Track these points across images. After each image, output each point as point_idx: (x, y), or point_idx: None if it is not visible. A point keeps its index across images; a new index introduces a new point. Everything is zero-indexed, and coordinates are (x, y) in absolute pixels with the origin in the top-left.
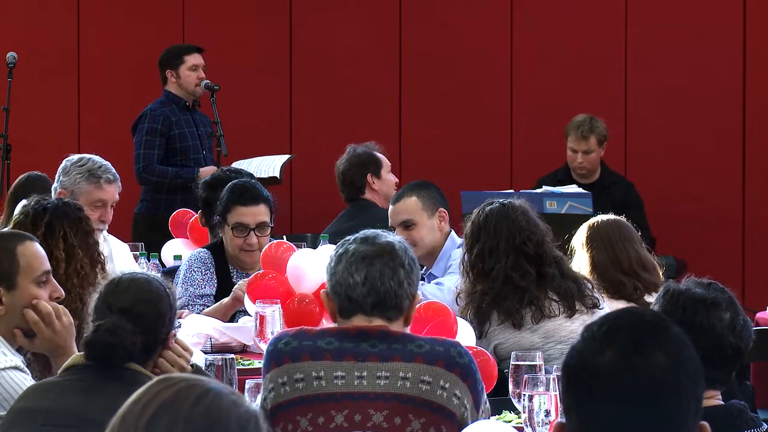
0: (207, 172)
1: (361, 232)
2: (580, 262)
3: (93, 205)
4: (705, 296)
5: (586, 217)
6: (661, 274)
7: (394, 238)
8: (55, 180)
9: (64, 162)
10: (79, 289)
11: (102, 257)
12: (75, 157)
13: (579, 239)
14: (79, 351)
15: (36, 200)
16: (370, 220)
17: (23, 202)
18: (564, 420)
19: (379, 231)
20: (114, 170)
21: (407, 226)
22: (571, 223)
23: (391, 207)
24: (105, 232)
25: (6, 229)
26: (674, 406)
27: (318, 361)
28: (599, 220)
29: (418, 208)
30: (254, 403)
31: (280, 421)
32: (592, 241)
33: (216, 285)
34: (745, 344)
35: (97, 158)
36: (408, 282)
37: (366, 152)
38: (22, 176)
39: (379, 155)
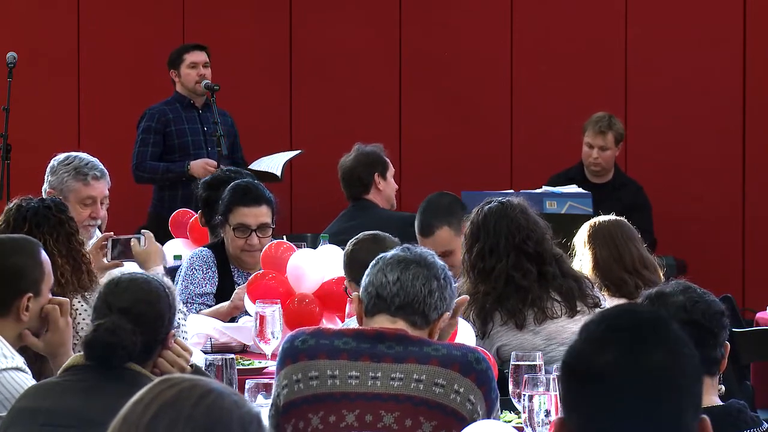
0: (197, 165)
1: (404, 245)
2: (582, 261)
3: (82, 203)
4: (660, 290)
5: (586, 217)
6: (661, 274)
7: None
8: (45, 180)
9: (51, 161)
10: (60, 297)
11: (87, 258)
12: (61, 156)
13: (581, 238)
14: (78, 351)
15: (16, 206)
16: (372, 220)
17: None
18: (564, 416)
19: (420, 247)
20: (102, 166)
21: (444, 255)
22: (571, 223)
23: (421, 239)
24: (98, 233)
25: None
26: (674, 403)
27: (334, 360)
28: (601, 220)
29: (451, 237)
30: (254, 403)
31: (292, 417)
32: (594, 239)
33: (217, 283)
34: (703, 318)
35: (84, 155)
36: (440, 295)
37: (374, 152)
38: None
39: (386, 157)
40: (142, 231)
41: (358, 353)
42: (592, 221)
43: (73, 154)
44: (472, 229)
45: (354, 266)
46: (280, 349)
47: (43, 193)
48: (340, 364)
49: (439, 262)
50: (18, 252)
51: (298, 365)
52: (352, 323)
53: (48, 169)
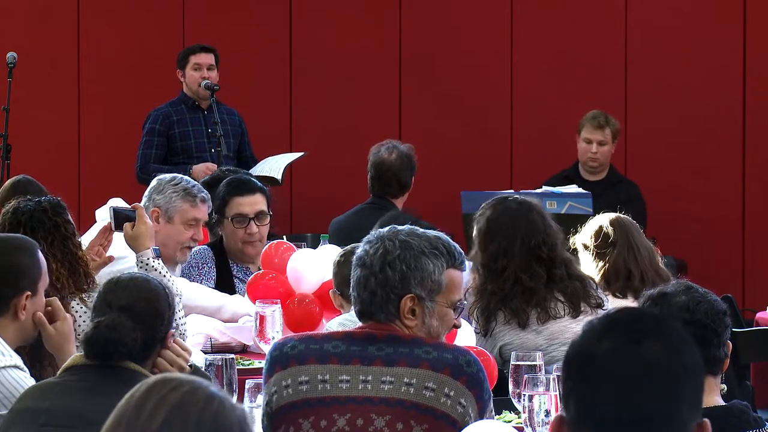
0: (199, 169)
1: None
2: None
3: (187, 223)
4: (662, 290)
5: (587, 217)
6: (669, 274)
7: (394, 239)
8: (146, 197)
9: (155, 180)
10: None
11: (84, 261)
12: (167, 176)
13: (584, 236)
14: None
15: (13, 209)
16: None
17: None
18: (563, 413)
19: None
20: (206, 191)
21: None
22: (572, 223)
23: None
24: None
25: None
26: (671, 396)
27: (324, 365)
28: (619, 216)
29: None
30: (254, 403)
31: (282, 423)
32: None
33: (215, 278)
34: (707, 318)
35: (187, 177)
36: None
37: (413, 155)
38: (7, 183)
39: None
40: (134, 205)
41: (349, 356)
42: (610, 216)
43: (179, 175)
44: (488, 226)
45: (337, 278)
46: (267, 356)
47: (145, 210)
48: (331, 368)
49: (391, 247)
50: (19, 251)
51: (288, 371)
52: (333, 326)
53: (152, 188)
